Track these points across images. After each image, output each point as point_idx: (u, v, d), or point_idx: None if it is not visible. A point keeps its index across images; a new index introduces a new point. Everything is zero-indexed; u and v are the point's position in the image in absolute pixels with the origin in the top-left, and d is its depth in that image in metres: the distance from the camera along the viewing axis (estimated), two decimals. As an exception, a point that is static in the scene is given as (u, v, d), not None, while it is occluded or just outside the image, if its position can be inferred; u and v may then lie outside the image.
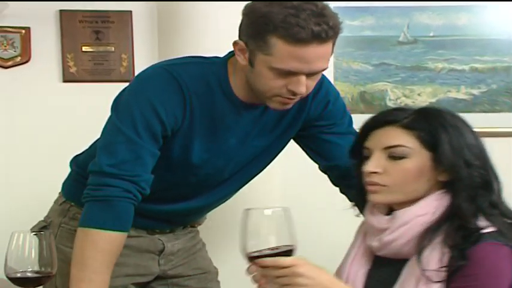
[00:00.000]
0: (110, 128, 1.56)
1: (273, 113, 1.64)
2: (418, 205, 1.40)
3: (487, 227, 1.36)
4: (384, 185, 1.42)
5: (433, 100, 2.64)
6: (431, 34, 2.63)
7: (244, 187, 1.82)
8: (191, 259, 1.88)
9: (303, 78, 1.48)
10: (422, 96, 2.64)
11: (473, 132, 1.44)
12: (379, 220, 1.44)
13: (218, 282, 1.97)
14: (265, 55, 1.45)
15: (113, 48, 2.59)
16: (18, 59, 2.55)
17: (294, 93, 1.50)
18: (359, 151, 1.49)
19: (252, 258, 1.27)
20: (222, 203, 1.85)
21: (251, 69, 1.50)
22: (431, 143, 1.40)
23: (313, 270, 1.27)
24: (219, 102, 1.58)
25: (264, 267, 1.27)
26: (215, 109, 1.59)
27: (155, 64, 1.67)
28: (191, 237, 1.90)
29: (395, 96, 2.65)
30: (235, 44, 1.51)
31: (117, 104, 1.58)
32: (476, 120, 2.65)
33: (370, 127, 1.46)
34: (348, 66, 2.61)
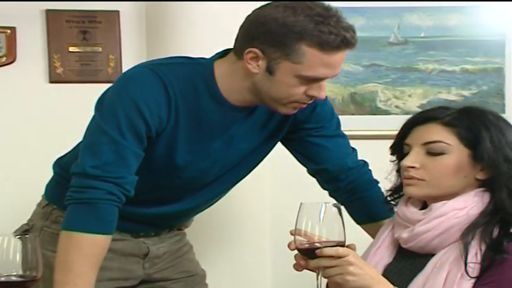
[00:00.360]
0: (93, 128, 1.56)
1: (260, 116, 1.65)
2: (456, 200, 1.45)
3: None
4: (421, 179, 1.46)
5: (424, 101, 2.64)
6: (421, 35, 2.63)
7: (233, 189, 1.82)
8: (177, 262, 1.87)
9: (325, 83, 1.53)
10: (412, 98, 2.64)
11: None
12: (414, 212, 1.48)
13: (206, 284, 1.96)
14: (293, 63, 1.48)
15: (100, 49, 2.57)
16: (4, 59, 2.53)
17: (312, 98, 1.54)
18: (400, 148, 1.53)
19: (303, 250, 1.39)
20: (209, 206, 1.85)
21: (269, 78, 1.51)
22: (471, 140, 1.45)
23: (362, 261, 1.38)
24: (205, 104, 1.58)
25: (320, 256, 1.36)
26: (201, 110, 1.58)
27: (140, 64, 1.67)
28: (177, 240, 1.89)
29: (386, 97, 2.65)
30: (248, 52, 1.50)
31: (101, 104, 1.58)
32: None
33: (412, 124, 1.51)
34: (339, 67, 2.60)
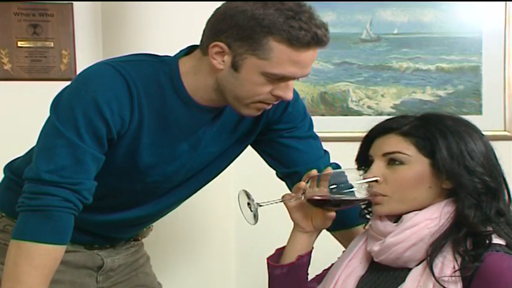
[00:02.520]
0: (49, 130, 1.53)
1: (230, 116, 1.64)
2: (428, 210, 1.46)
3: (495, 235, 1.42)
4: (385, 195, 1.49)
5: (398, 102, 2.66)
6: (395, 31, 2.65)
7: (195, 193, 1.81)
8: (133, 275, 1.87)
9: (292, 83, 1.52)
10: (386, 98, 2.66)
11: (481, 138, 1.49)
12: (386, 225, 1.50)
13: (162, 299, 1.96)
14: (259, 59, 1.47)
15: (52, 44, 2.55)
16: None
17: (278, 99, 1.53)
18: (365, 160, 1.56)
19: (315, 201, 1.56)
20: (169, 211, 1.84)
21: (233, 74, 1.50)
22: (429, 150, 1.46)
23: None
24: (171, 104, 1.57)
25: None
26: (166, 111, 1.57)
27: (101, 61, 1.65)
28: (134, 252, 1.88)
29: (358, 97, 2.67)
30: (213, 46, 1.50)
31: (57, 103, 1.55)
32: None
33: (373, 135, 1.54)
34: (308, 65, 2.61)
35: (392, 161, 1.49)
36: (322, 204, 1.56)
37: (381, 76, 2.67)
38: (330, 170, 1.57)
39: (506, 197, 1.50)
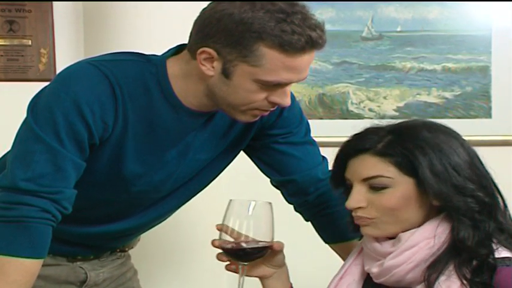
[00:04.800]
0: (26, 134, 1.52)
1: (221, 121, 1.64)
2: (423, 229, 1.43)
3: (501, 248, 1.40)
4: (373, 218, 1.45)
5: (401, 104, 2.66)
6: (398, 29, 2.66)
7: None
8: (119, 291, 1.86)
9: (289, 88, 1.51)
10: (388, 100, 2.67)
11: (462, 145, 1.46)
12: (383, 245, 1.47)
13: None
14: (251, 66, 1.45)
15: (29, 42, 2.55)
16: None
17: (274, 105, 1.53)
18: (341, 182, 1.52)
19: (228, 250, 1.52)
20: (158, 223, 1.83)
21: (225, 81, 1.49)
22: (410, 168, 1.42)
23: None
24: (158, 107, 1.56)
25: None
26: (153, 115, 1.56)
27: (82, 60, 1.64)
28: (120, 264, 1.87)
29: (359, 99, 2.67)
30: (201, 52, 1.48)
31: (35, 105, 1.53)
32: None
33: (344, 157, 1.49)
34: (305, 65, 2.61)
35: (373, 185, 1.44)
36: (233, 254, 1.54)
37: (383, 77, 2.68)
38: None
39: (501, 203, 1.47)
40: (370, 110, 2.67)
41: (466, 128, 2.60)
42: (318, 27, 1.46)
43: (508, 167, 2.52)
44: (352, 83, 2.67)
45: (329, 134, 2.51)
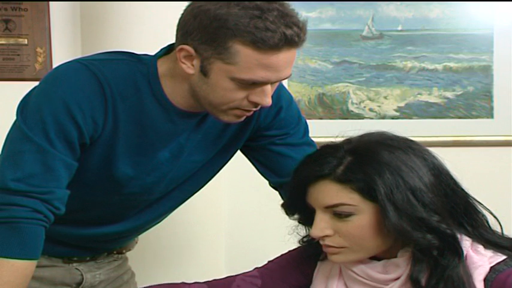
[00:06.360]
0: (15, 135, 1.52)
1: (215, 123, 1.63)
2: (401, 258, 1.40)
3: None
4: (341, 247, 1.40)
5: (402, 104, 2.67)
6: (399, 28, 2.66)
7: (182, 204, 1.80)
8: (115, 294, 1.86)
9: (269, 88, 1.49)
10: (389, 100, 2.67)
11: (425, 160, 1.39)
12: (373, 267, 1.43)
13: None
14: (225, 64, 1.44)
15: (26, 41, 2.55)
16: None
17: (256, 105, 1.51)
18: (300, 208, 1.47)
19: None
20: (154, 225, 1.83)
21: (204, 80, 1.49)
22: (373, 194, 1.36)
23: None
24: (149, 108, 1.56)
25: None
26: (144, 115, 1.56)
27: (72, 59, 1.63)
28: (117, 266, 1.87)
29: (359, 99, 2.67)
30: (180, 49, 1.48)
31: (24, 105, 1.54)
32: (451, 128, 2.71)
33: (302, 183, 1.43)
34: (305, 64, 2.62)
35: (337, 212, 1.38)
36: None
37: (383, 76, 2.68)
38: None
39: (481, 212, 1.43)
40: (371, 110, 2.67)
41: (467, 128, 2.64)
42: (296, 24, 1.44)
43: (510, 167, 2.52)
44: (352, 83, 2.67)
45: (329, 134, 2.48)
